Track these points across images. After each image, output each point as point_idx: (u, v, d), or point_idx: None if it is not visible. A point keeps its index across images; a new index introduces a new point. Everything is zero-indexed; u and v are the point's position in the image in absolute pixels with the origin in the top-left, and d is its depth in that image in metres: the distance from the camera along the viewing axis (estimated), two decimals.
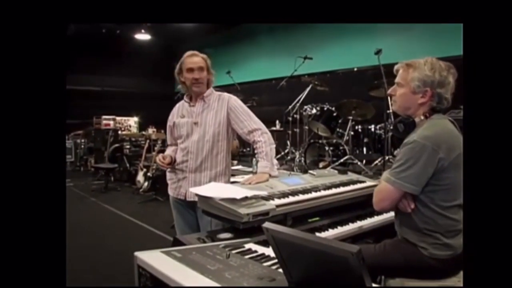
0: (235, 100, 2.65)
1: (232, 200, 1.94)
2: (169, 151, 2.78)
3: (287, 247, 1.06)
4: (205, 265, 1.33)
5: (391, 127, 2.10)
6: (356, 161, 5.01)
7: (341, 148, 5.23)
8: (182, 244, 1.87)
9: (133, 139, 9.44)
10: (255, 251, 1.58)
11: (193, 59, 2.59)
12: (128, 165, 8.29)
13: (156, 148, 7.28)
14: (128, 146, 9.04)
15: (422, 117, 1.87)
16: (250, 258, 1.48)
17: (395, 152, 4.78)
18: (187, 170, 2.56)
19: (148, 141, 7.96)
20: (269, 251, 1.58)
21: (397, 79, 1.94)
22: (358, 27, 6.86)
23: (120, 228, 5.24)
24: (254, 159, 5.57)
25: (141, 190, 7.06)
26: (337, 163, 5.03)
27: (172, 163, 2.64)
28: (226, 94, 2.68)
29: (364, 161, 5.17)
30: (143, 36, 10.13)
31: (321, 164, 5.38)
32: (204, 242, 1.86)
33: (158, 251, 1.47)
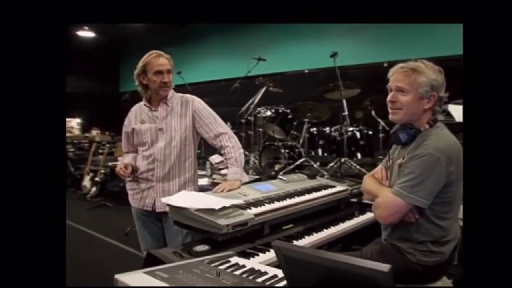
0: (199, 102, 2.53)
1: (209, 211, 1.84)
2: (127, 159, 2.58)
3: (300, 267, 0.99)
4: (196, 286, 1.23)
5: (392, 135, 1.96)
6: (312, 163, 5.02)
7: (296, 150, 5.22)
8: (157, 259, 1.75)
9: (75, 141, 8.94)
10: (243, 266, 1.49)
11: (161, 60, 2.41)
12: (72, 169, 7.85)
13: (104, 151, 6.95)
14: (71, 149, 8.54)
15: (427, 126, 1.81)
16: (241, 274, 1.39)
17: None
18: (153, 179, 2.41)
19: (94, 144, 7.57)
20: (255, 265, 1.50)
21: (398, 84, 1.79)
22: (308, 29, 6.91)
23: (68, 238, 4.91)
24: (207, 162, 5.48)
25: (88, 195, 6.71)
26: (292, 166, 5.03)
27: (134, 172, 2.47)
28: (189, 96, 2.55)
29: (318, 163, 5.19)
30: (86, 34, 9.64)
31: (276, 167, 5.35)
32: (181, 256, 1.76)
33: (140, 272, 1.34)
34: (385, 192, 1.82)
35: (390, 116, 1.87)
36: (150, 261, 1.77)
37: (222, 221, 1.78)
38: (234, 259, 1.56)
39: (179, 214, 1.95)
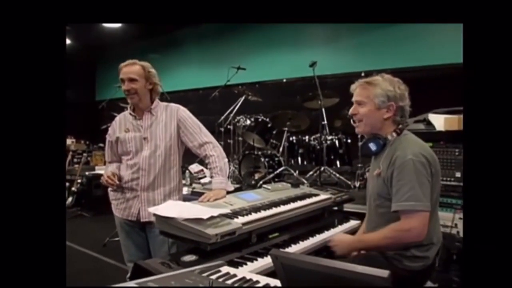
0: (184, 111, 2.53)
1: (197, 220, 1.83)
2: (111, 168, 2.55)
3: (298, 275, 1.00)
4: None
5: (361, 146, 2.05)
6: (291, 171, 5.06)
7: (276, 159, 5.26)
8: (145, 270, 1.74)
9: None
10: (235, 275, 1.48)
11: (126, 69, 2.41)
12: None
13: (81, 161, 6.81)
14: None
15: (394, 134, 1.90)
16: (233, 283, 1.39)
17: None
18: (138, 188, 2.39)
19: (70, 152, 7.42)
20: (245, 274, 1.50)
21: (357, 98, 1.95)
22: (287, 38, 6.98)
23: None
24: (187, 171, 5.45)
25: None
26: (272, 175, 5.06)
27: (119, 181, 2.44)
28: (174, 105, 2.55)
29: (297, 172, 5.24)
30: None
31: (256, 176, 5.37)
32: (169, 266, 1.74)
33: (132, 284, 1.33)
34: (375, 232, 1.85)
35: (356, 130, 2.02)
36: (139, 272, 1.75)
37: (211, 231, 1.77)
38: (225, 269, 1.56)
39: (166, 224, 1.93)
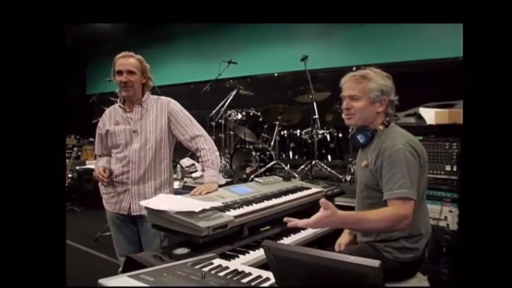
0: (175, 104, 2.52)
1: (189, 213, 1.83)
2: (101, 162, 2.53)
3: (291, 266, 1.00)
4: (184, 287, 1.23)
5: (350, 138, 2.05)
6: (283, 165, 5.06)
7: (267, 153, 5.25)
8: (137, 263, 1.74)
9: None
10: (227, 267, 1.49)
11: (123, 60, 2.40)
12: None
13: (72, 155, 6.75)
14: None
15: (381, 127, 1.92)
16: (225, 275, 1.40)
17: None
18: (128, 182, 2.38)
19: None
20: (238, 266, 1.51)
21: (350, 92, 1.92)
22: (279, 32, 6.96)
23: None
24: (178, 166, 5.43)
25: None
26: (264, 169, 5.05)
27: (111, 175, 2.43)
28: (165, 98, 2.54)
29: (289, 166, 5.24)
30: None
31: (248, 170, 5.36)
32: (162, 259, 1.75)
33: (125, 276, 1.33)
34: (375, 211, 1.78)
35: (346, 122, 2.00)
36: (132, 265, 1.75)
37: (203, 224, 1.78)
38: (217, 261, 1.57)
39: (157, 217, 1.93)
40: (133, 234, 2.47)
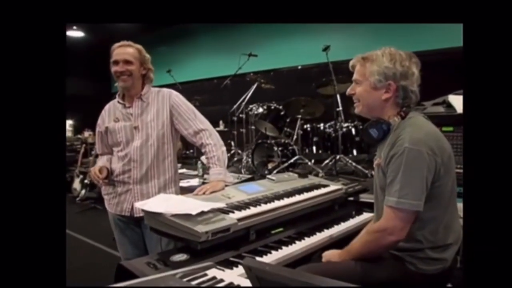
0: (177, 96, 2.33)
1: (187, 216, 1.65)
2: (102, 161, 2.39)
3: None
4: None
5: (362, 134, 1.82)
6: (306, 161, 4.85)
7: (290, 148, 5.04)
8: (128, 272, 1.57)
9: (68, 143, 8.71)
10: (221, 280, 1.30)
11: (120, 50, 2.24)
12: None
13: (93, 153, 6.73)
14: None
15: (396, 119, 1.65)
16: None
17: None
18: (130, 181, 2.22)
19: (84, 145, 7.36)
20: (234, 278, 1.32)
21: (355, 76, 1.72)
22: (298, 25, 6.75)
23: None
24: (199, 162, 5.30)
25: (77, 199, 6.50)
26: (286, 164, 4.85)
27: (109, 175, 2.28)
28: (166, 90, 2.35)
29: (313, 161, 5.03)
30: (75, 33, 9.41)
31: (270, 165, 5.17)
32: (155, 267, 1.57)
33: None
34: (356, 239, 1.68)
35: (355, 110, 1.77)
36: (122, 274, 1.59)
37: (201, 228, 1.59)
38: (212, 272, 1.38)
39: (154, 220, 1.76)
40: (137, 237, 2.31)
